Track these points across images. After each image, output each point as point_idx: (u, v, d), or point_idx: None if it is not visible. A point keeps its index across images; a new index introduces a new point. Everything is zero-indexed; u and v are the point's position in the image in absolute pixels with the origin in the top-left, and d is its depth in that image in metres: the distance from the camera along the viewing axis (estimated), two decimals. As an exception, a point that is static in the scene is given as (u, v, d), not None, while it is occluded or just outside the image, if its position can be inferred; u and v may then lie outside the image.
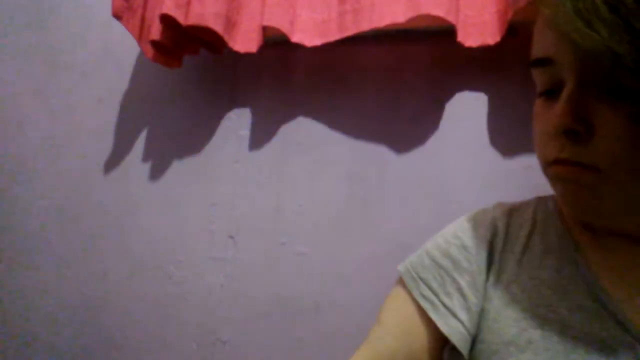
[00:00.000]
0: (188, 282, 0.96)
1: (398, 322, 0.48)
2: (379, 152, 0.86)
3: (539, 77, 0.43)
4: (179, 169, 1.00)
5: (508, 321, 0.43)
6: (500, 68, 0.80)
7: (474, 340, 0.45)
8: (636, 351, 0.38)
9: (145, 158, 1.03)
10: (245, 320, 0.90)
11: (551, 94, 0.41)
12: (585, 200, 0.40)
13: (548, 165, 0.41)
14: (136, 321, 0.98)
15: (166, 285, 0.97)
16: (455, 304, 0.46)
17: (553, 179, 0.42)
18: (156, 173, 1.01)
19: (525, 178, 0.77)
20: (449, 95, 0.83)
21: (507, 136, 0.79)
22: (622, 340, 0.38)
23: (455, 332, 0.45)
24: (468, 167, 0.81)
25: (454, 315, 0.45)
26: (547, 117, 0.41)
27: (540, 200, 0.51)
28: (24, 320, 1.07)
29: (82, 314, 1.02)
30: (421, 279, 0.48)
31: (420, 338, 0.47)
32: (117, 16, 0.93)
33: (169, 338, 0.95)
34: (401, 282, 0.51)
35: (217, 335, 0.92)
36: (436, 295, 0.47)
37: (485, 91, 0.81)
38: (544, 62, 0.41)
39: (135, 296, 0.99)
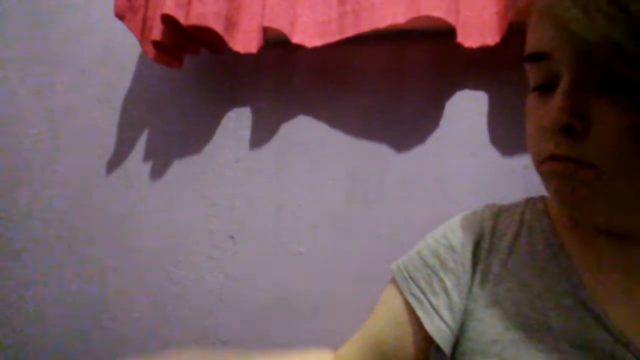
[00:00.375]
0: (188, 282, 0.96)
1: (390, 315, 0.50)
2: (379, 152, 0.86)
3: (533, 72, 0.42)
4: (179, 169, 1.00)
5: (493, 320, 0.44)
6: (500, 68, 0.80)
7: (461, 339, 0.46)
8: (615, 351, 0.38)
9: (145, 158, 1.03)
10: (245, 320, 0.91)
11: (545, 89, 0.40)
12: (581, 197, 0.39)
13: (542, 162, 0.40)
14: (136, 321, 0.98)
15: (166, 285, 0.97)
16: (441, 303, 0.47)
17: (547, 176, 0.41)
18: (156, 173, 1.01)
19: (525, 177, 0.77)
20: (449, 95, 0.83)
21: (507, 135, 0.79)
22: (602, 339, 0.39)
23: (438, 329, 0.46)
24: (468, 166, 0.81)
25: (438, 314, 0.47)
26: (541, 113, 0.40)
27: (530, 201, 0.51)
28: (23, 320, 1.07)
29: (82, 314, 1.02)
30: (411, 277, 0.50)
31: (409, 333, 0.48)
32: (120, 16, 0.93)
33: (169, 338, 0.95)
34: (394, 280, 0.52)
35: (217, 335, 0.92)
36: (424, 293, 0.48)
37: (485, 90, 0.81)
38: (539, 57, 0.40)
39: (135, 296, 0.99)
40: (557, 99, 0.37)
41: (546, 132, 0.39)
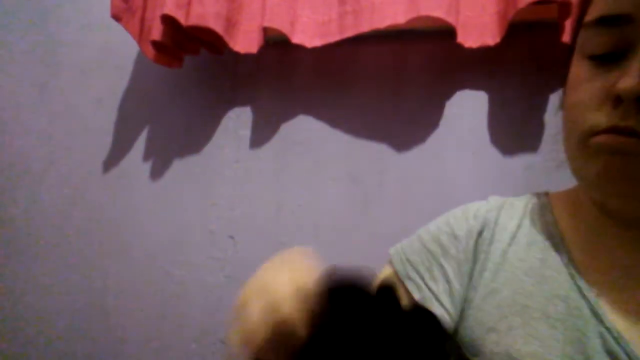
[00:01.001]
0: (188, 282, 0.96)
1: None
2: (379, 152, 0.86)
3: (598, 38, 0.39)
4: (179, 169, 1.00)
5: (490, 309, 0.44)
6: (500, 68, 0.80)
7: (459, 328, 0.46)
8: (606, 342, 0.38)
9: (145, 158, 1.03)
10: (245, 320, 0.90)
11: (607, 58, 0.38)
12: (629, 175, 0.37)
13: (593, 135, 0.38)
14: (136, 321, 0.98)
15: (166, 285, 0.97)
16: (440, 289, 0.47)
17: (598, 150, 0.38)
18: (156, 173, 1.01)
19: (525, 178, 0.77)
20: (449, 95, 0.83)
21: (507, 135, 0.79)
22: (595, 330, 0.39)
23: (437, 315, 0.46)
24: (468, 166, 0.81)
25: (438, 300, 0.47)
26: (602, 82, 0.38)
27: (534, 195, 0.52)
28: (24, 321, 1.07)
29: (82, 314, 1.02)
30: (409, 261, 0.50)
31: None
32: (117, 17, 0.93)
33: (169, 338, 0.95)
34: (390, 263, 0.52)
35: (217, 335, 0.92)
36: (422, 278, 0.48)
37: (486, 90, 0.81)
38: (617, 20, 0.37)
39: (135, 296, 0.99)
40: (635, 67, 0.36)
41: (608, 103, 0.37)
